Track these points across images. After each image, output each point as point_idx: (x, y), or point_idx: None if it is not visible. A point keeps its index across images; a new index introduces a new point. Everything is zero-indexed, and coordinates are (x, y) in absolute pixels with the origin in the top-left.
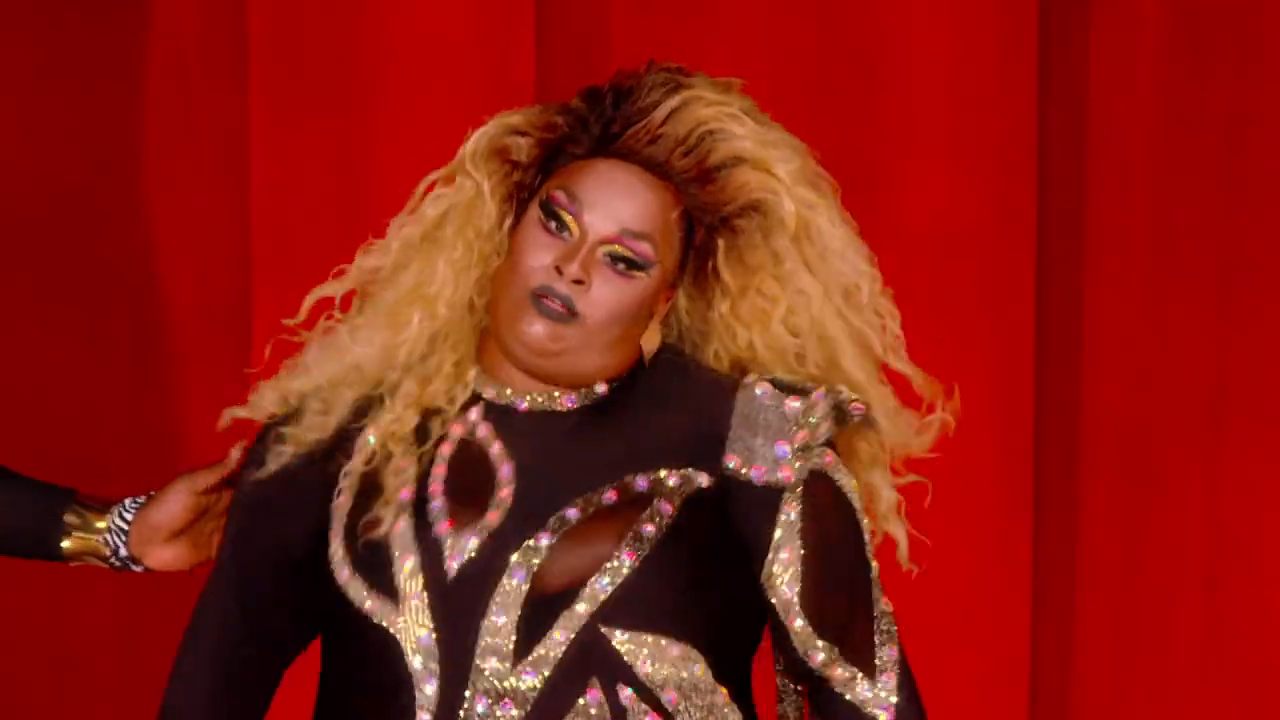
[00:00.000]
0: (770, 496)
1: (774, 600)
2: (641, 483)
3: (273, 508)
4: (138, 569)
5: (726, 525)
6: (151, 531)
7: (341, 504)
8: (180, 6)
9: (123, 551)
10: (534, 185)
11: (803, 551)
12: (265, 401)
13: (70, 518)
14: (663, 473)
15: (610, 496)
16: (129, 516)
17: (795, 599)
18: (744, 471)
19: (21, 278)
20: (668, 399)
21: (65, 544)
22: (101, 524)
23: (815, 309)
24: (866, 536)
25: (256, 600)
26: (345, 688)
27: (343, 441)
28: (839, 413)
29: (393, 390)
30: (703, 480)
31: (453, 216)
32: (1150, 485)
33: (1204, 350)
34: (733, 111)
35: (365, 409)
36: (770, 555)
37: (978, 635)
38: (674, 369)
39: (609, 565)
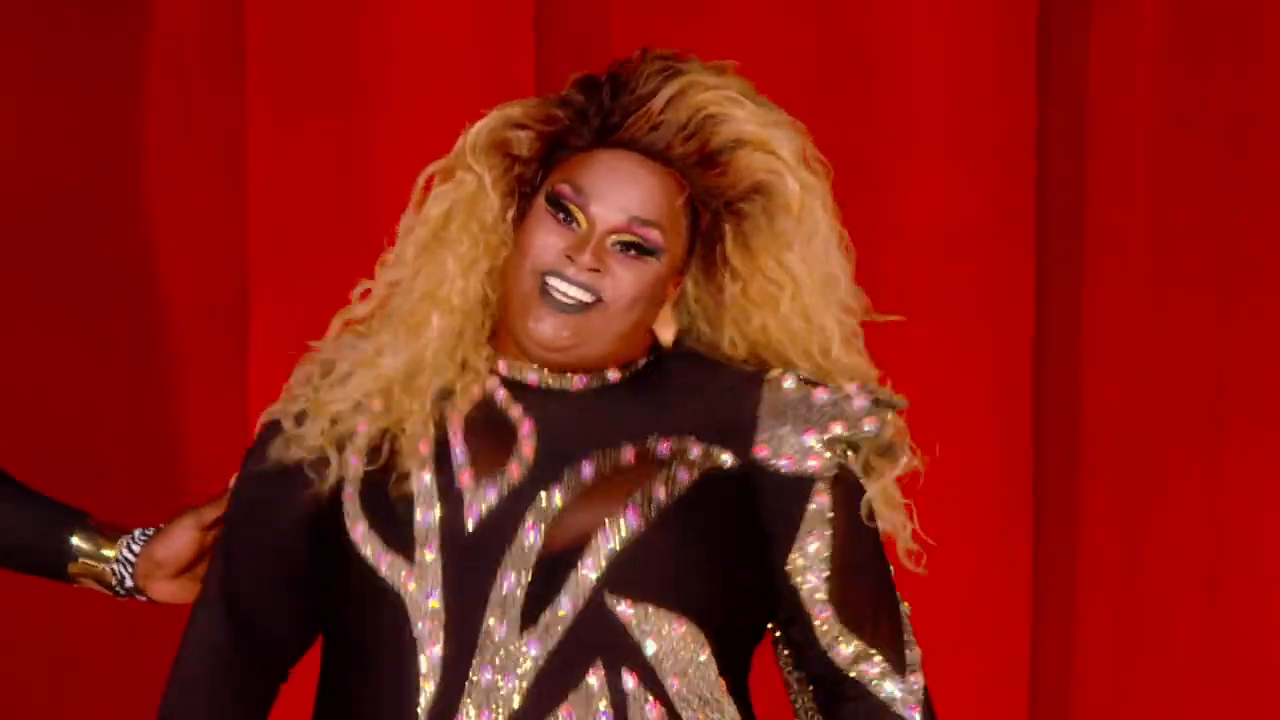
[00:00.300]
0: (798, 485)
1: (798, 590)
2: (663, 447)
3: (266, 502)
4: (142, 599)
5: (745, 510)
6: (156, 567)
7: (355, 466)
8: (180, 6)
9: (128, 583)
10: (535, 179)
11: (831, 541)
12: (311, 432)
13: (79, 542)
14: (687, 439)
15: (629, 456)
16: (136, 549)
17: (823, 587)
18: (772, 461)
19: (21, 278)
20: (689, 384)
21: (71, 567)
22: (110, 553)
23: (807, 294)
24: (880, 539)
25: (248, 602)
26: (349, 662)
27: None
28: (880, 406)
29: (403, 383)
30: (727, 459)
31: (456, 213)
32: (1150, 485)
33: (1204, 350)
34: (731, 94)
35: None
36: (797, 543)
37: (978, 635)
38: (694, 359)
39: (614, 525)
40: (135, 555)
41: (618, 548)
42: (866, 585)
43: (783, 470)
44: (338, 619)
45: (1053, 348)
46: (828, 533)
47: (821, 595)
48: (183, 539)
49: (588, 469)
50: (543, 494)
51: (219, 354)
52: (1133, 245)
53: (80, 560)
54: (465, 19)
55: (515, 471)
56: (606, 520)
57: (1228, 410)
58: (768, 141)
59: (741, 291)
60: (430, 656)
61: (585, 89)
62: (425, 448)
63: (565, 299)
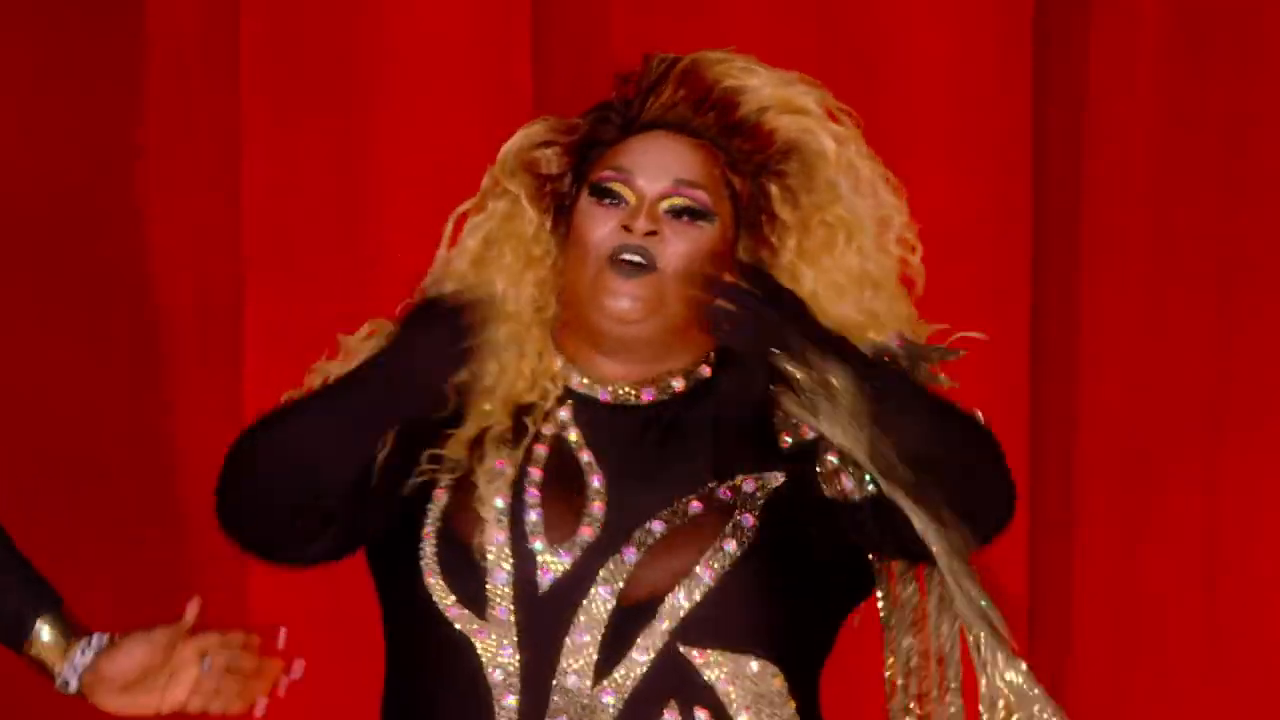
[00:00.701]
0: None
1: (850, 495)
2: (724, 493)
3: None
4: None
5: (806, 520)
6: (100, 681)
7: (438, 499)
8: (180, 7)
9: (72, 687)
10: (570, 192)
11: (857, 431)
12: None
13: (44, 630)
14: (739, 479)
15: (696, 506)
16: (87, 660)
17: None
18: (801, 441)
19: (21, 278)
20: (736, 399)
21: (27, 648)
22: (65, 651)
23: (864, 237)
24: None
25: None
26: (418, 688)
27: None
28: (915, 351)
29: (484, 389)
30: (777, 478)
31: (495, 236)
32: (1148, 487)
33: (1203, 351)
34: (743, 64)
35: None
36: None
37: None
38: (738, 367)
39: (689, 581)
40: (81, 666)
41: (692, 604)
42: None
43: (808, 436)
44: (405, 650)
45: (1049, 348)
46: (855, 428)
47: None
48: (132, 659)
49: (658, 525)
50: (615, 555)
51: (215, 354)
52: (1131, 245)
53: (37, 646)
54: (463, 19)
55: (588, 533)
56: (680, 579)
57: (1226, 412)
58: (792, 100)
59: (796, 245)
60: (505, 705)
61: (598, 106)
62: (503, 499)
63: (630, 264)
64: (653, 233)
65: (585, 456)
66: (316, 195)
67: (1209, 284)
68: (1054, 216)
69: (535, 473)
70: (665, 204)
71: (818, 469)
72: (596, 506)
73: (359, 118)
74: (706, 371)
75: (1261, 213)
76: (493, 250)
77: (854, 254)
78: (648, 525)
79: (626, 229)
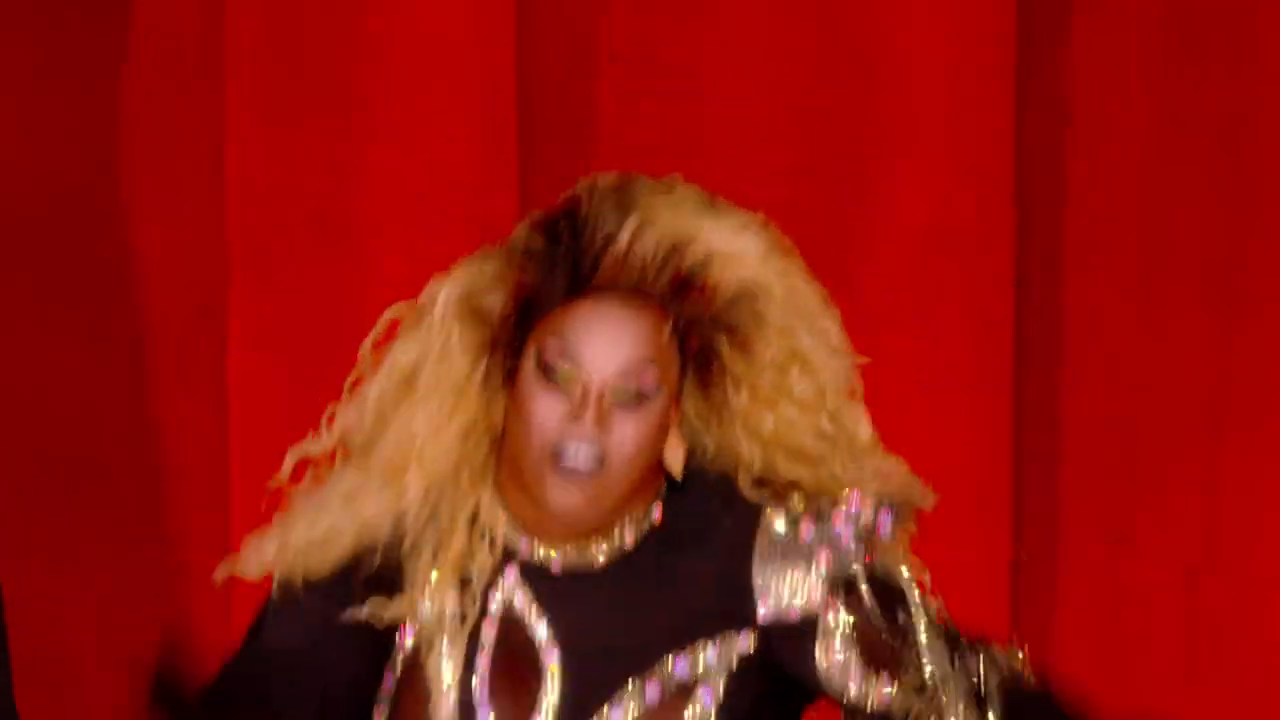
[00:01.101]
0: (811, 621)
1: (852, 699)
2: (681, 668)
3: (314, 626)
4: None
5: (774, 681)
6: None
7: (386, 691)
8: (178, 8)
9: None
10: (513, 339)
11: (857, 645)
12: (262, 557)
13: None
14: (700, 645)
15: (653, 695)
16: None
17: (861, 686)
18: (781, 616)
19: (20, 278)
20: (692, 544)
21: None
22: None
23: (819, 365)
24: (915, 599)
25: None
26: None
27: (379, 583)
28: (868, 533)
29: (416, 554)
30: (743, 643)
31: (424, 368)
32: (1147, 487)
33: (1192, 353)
34: (689, 211)
35: (394, 562)
36: (822, 671)
37: None
38: (694, 502)
39: None
40: None
41: None
42: (894, 659)
43: (794, 619)
44: None
45: (1033, 350)
46: (846, 638)
47: (863, 693)
48: None
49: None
50: None
51: (202, 354)
52: (1118, 246)
53: None
54: (452, 21)
55: None
56: None
57: (1226, 412)
58: (737, 252)
59: (750, 395)
60: None
61: (545, 235)
62: (451, 702)
63: (576, 467)
64: (599, 429)
65: (541, 633)
66: (302, 197)
67: (1207, 285)
68: (1039, 216)
69: (484, 663)
70: (614, 390)
71: (817, 645)
72: (552, 698)
73: (346, 120)
74: (657, 515)
75: (1260, 212)
76: (419, 381)
77: (808, 385)
78: (606, 715)
79: (573, 423)
